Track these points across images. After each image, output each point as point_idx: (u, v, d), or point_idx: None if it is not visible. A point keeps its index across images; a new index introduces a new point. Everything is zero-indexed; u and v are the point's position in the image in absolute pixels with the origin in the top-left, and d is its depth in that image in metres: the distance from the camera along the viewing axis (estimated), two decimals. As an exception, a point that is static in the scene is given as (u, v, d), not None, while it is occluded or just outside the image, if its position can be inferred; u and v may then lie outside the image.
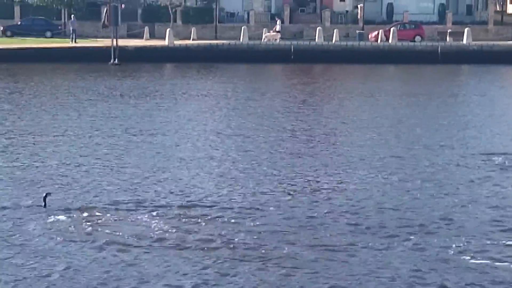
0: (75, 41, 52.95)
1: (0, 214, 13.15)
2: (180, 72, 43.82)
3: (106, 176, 16.12)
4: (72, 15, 56.69)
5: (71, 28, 54.03)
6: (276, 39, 55.06)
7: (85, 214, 13.03)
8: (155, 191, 14.83)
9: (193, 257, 11.04)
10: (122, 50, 48.16)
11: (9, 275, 10.33)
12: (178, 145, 19.96)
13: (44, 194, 13.71)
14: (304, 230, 12.40)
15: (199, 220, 12.80)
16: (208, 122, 24.34)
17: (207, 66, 46.65)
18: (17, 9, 62.15)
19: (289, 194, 14.84)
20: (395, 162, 17.95)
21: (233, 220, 12.86)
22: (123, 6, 53.27)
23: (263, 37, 55.31)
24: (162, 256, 11.05)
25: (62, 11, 61.06)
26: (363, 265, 10.81)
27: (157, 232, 12.09)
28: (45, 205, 13.45)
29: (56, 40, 54.49)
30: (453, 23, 62.39)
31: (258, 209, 13.64)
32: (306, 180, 16.03)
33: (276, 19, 59.11)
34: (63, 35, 54.68)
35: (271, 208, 13.70)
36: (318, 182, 15.90)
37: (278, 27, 57.33)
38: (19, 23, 59.89)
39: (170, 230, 12.19)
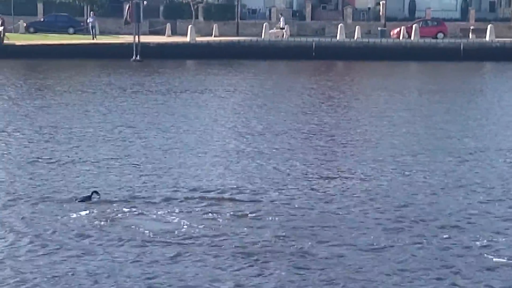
0: (95, 37, 53.15)
1: (37, 209, 13.25)
2: (202, 69, 43.90)
3: (137, 172, 16.23)
4: (91, 12, 56.88)
5: (90, 25, 54.27)
6: (279, 36, 54.78)
7: (120, 210, 13.13)
8: (187, 187, 14.84)
9: (226, 255, 11.08)
10: (144, 46, 48.30)
11: (51, 272, 10.35)
12: (207, 142, 20.00)
13: (90, 192, 13.87)
14: (333, 228, 12.39)
15: (231, 217, 12.84)
16: (234, 118, 24.38)
17: (229, 62, 46.69)
18: (40, 6, 62.48)
19: (318, 191, 14.82)
20: (423, 159, 17.91)
21: (264, 217, 12.87)
22: (145, 3, 53.33)
23: (269, 33, 55.01)
24: (199, 255, 11.03)
25: (85, 7, 61.33)
26: (392, 262, 10.80)
27: (193, 230, 12.11)
28: (89, 199, 13.62)
29: (78, 36, 54.72)
30: (476, 20, 62.03)
31: (288, 205, 13.65)
32: (336, 177, 16.01)
33: (280, 15, 58.71)
34: (86, 31, 54.87)
35: (300, 205, 13.71)
36: (347, 178, 15.88)
37: (282, 24, 57.00)
38: (42, 19, 60.19)
39: (206, 227, 12.22)
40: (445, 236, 11.91)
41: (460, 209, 13.50)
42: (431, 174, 16.28)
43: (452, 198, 14.33)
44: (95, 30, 53.81)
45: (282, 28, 56.27)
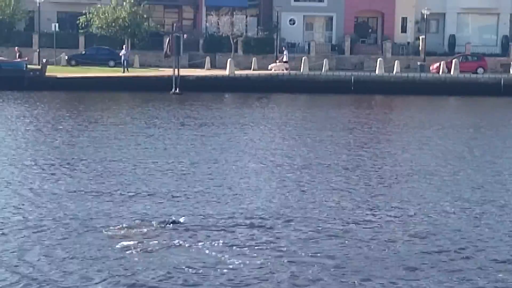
0: (126, 70, 53.35)
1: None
2: (241, 102, 44.06)
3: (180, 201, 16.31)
4: (124, 46, 57.18)
5: (122, 58, 54.58)
6: (282, 70, 54.44)
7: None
8: (227, 216, 14.93)
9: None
10: (183, 79, 48.63)
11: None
12: (245, 173, 20.03)
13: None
14: (372, 258, 12.30)
15: (265, 244, 12.82)
16: (274, 151, 24.36)
17: (268, 96, 46.80)
18: (81, 39, 63.30)
19: (357, 223, 14.74)
20: (464, 193, 17.72)
21: (302, 248, 12.82)
22: (185, 36, 53.86)
23: (270, 67, 54.99)
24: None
25: (126, 41, 62.03)
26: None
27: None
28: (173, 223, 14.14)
29: (119, 69, 55.17)
30: (517, 55, 61.63)
31: (326, 236, 13.60)
32: (374, 208, 15.90)
33: (284, 49, 58.38)
34: (126, 64, 55.42)
35: (337, 237, 13.65)
36: (386, 212, 15.76)
37: (285, 58, 56.74)
38: (83, 52, 60.94)
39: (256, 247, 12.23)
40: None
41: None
42: (470, 207, 16.08)
43: (492, 234, 14.13)
44: (126, 63, 53.95)
45: (286, 62, 56.07)
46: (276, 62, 56.31)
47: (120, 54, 55.40)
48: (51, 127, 30.03)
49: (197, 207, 15.97)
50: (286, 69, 54.84)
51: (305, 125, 32.35)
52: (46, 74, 50.30)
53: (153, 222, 14.47)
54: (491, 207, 16.49)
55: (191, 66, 58.82)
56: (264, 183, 18.77)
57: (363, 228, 14.47)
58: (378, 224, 14.77)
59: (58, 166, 20.86)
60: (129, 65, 55.31)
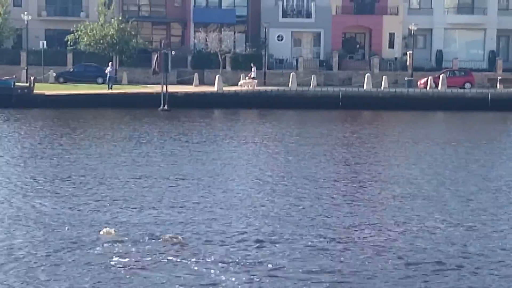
0: (110, 88, 52.90)
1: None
2: (229, 118, 44.07)
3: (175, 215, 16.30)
4: (110, 63, 56.79)
5: (108, 75, 54.19)
6: (251, 86, 54.47)
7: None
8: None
9: None
10: (172, 96, 48.67)
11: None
12: (235, 189, 20.04)
13: None
14: (365, 274, 12.31)
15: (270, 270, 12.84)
16: (260, 167, 24.36)
17: (256, 112, 46.85)
18: (69, 56, 63.32)
19: (339, 241, 14.76)
20: (452, 209, 17.77)
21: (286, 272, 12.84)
22: (173, 53, 53.91)
23: (239, 83, 55.19)
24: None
25: (114, 57, 62.07)
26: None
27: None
28: None
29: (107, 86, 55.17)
30: (504, 70, 62.00)
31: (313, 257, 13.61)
32: (359, 226, 15.93)
33: (252, 65, 58.22)
34: (114, 81, 55.38)
35: (330, 252, 13.66)
36: (379, 227, 15.79)
37: (253, 74, 56.81)
38: (71, 69, 60.93)
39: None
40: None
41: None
42: (458, 226, 16.13)
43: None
44: (111, 80, 53.41)
45: (254, 78, 56.10)
46: (245, 79, 56.21)
47: (106, 71, 55.11)
48: (39, 144, 29.94)
49: (187, 223, 15.93)
50: (254, 85, 54.84)
51: (296, 141, 32.34)
52: (34, 91, 50.21)
53: (145, 238, 14.46)
54: (480, 221, 16.54)
55: (179, 82, 58.94)
56: (254, 199, 18.76)
57: (358, 243, 14.48)
58: (371, 239, 14.78)
59: (46, 183, 20.81)
60: (116, 82, 55.23)
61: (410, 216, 16.99)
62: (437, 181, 21.96)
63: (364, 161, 26.40)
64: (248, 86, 54.61)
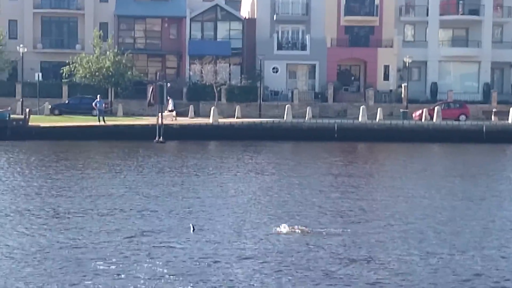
0: (103, 121, 51.66)
1: None
2: (225, 150, 44.04)
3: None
4: (99, 95, 55.60)
5: (97, 108, 52.94)
6: (169, 119, 52.78)
7: None
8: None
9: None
10: (167, 128, 48.68)
11: None
12: (229, 221, 19.95)
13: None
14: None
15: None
16: (255, 199, 24.28)
17: (251, 144, 46.84)
18: (65, 88, 63.45)
19: (346, 266, 14.68)
20: (445, 244, 17.71)
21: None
22: (169, 85, 53.98)
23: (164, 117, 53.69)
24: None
25: (109, 90, 62.16)
26: None
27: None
28: None
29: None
30: (498, 103, 62.24)
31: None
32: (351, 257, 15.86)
33: (168, 98, 55.10)
34: (110, 113, 55.36)
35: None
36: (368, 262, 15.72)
37: (170, 107, 55.53)
38: (66, 101, 61.00)
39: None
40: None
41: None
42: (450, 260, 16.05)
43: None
44: (101, 113, 52.20)
45: (171, 111, 55.01)
46: (166, 112, 53.78)
47: (93, 104, 53.97)
48: (33, 176, 29.84)
49: (179, 255, 15.83)
50: (174, 117, 54.13)
51: (287, 173, 32.27)
52: (29, 123, 50.22)
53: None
54: (474, 253, 16.49)
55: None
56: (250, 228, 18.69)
57: (355, 271, 14.41)
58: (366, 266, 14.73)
59: (43, 216, 20.71)
60: (112, 114, 55.07)
61: (403, 243, 16.91)
62: (433, 212, 21.91)
63: (364, 192, 26.31)
64: (168, 120, 52.41)
